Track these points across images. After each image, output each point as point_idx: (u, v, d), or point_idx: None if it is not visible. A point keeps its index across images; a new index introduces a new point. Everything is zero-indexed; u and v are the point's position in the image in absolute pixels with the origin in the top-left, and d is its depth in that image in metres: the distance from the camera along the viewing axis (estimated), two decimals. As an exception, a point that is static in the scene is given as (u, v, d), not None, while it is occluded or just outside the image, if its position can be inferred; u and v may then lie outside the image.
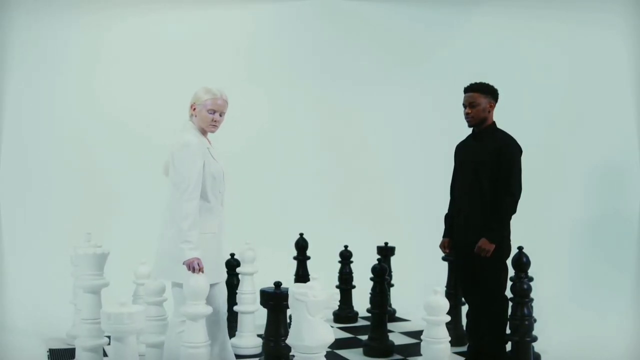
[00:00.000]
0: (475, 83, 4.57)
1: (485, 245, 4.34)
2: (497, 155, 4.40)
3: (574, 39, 6.58)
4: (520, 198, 4.42)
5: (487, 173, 4.41)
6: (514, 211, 4.41)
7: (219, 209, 3.83)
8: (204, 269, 3.58)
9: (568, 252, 6.41)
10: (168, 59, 7.34)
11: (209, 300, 3.68)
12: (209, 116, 3.80)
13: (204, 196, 3.70)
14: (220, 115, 3.84)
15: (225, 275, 4.15)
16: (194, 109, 3.83)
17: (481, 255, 4.35)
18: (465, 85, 4.59)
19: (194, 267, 3.55)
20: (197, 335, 3.58)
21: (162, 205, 3.83)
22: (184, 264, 3.57)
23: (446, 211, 4.85)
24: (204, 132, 3.86)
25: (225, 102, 3.88)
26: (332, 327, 4.36)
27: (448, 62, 7.41)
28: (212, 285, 3.70)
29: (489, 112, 4.52)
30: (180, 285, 3.67)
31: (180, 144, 3.68)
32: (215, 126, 3.84)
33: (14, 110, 6.67)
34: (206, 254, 3.65)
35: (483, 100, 4.49)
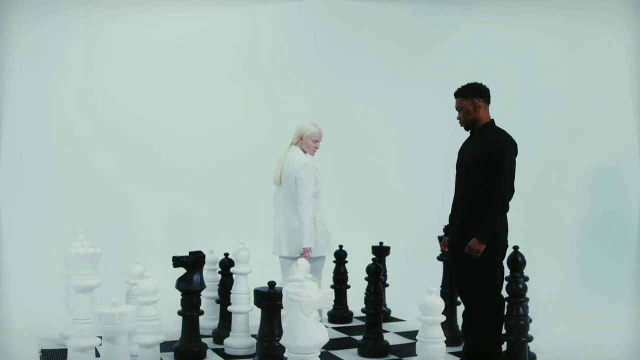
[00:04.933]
0: (458, 88, 4.60)
1: (475, 245, 4.32)
2: (489, 154, 4.38)
3: (574, 38, 6.56)
4: (516, 198, 4.39)
5: (478, 172, 4.39)
6: (505, 210, 4.38)
7: (321, 203, 5.24)
8: (319, 246, 5.09)
9: (567, 252, 6.39)
10: (167, 59, 7.32)
11: (319, 268, 5.17)
12: (313, 144, 5.19)
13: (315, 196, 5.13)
14: (318, 142, 5.22)
15: (332, 249, 5.43)
16: (301, 138, 5.16)
17: (472, 255, 4.33)
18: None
19: (307, 255, 4.93)
20: None
21: (278, 205, 5.24)
22: (303, 248, 4.96)
23: (449, 210, 4.81)
24: (304, 151, 5.21)
25: (322, 133, 5.23)
26: (326, 327, 4.34)
27: (449, 60, 7.39)
28: (322, 257, 5.21)
29: (477, 112, 4.51)
30: (291, 259, 5.03)
31: (300, 165, 5.04)
32: (316, 151, 5.24)
33: (11, 109, 6.63)
34: (319, 235, 5.10)
35: (466, 104, 4.52)
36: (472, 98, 4.51)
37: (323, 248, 5.19)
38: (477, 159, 4.42)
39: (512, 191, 4.38)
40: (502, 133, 4.50)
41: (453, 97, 4.63)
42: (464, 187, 4.51)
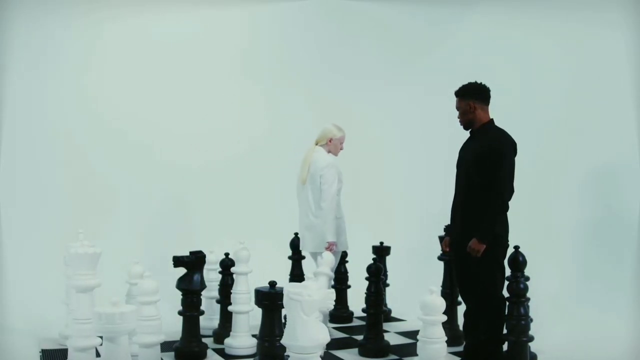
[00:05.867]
0: (458, 88, 4.60)
1: (476, 245, 4.32)
2: (488, 154, 4.37)
3: (574, 38, 6.56)
4: (515, 198, 4.39)
5: (478, 172, 4.39)
6: (504, 210, 4.38)
7: (341, 201, 5.48)
8: (340, 241, 5.35)
9: (567, 252, 6.39)
10: (167, 59, 7.31)
11: (334, 263, 5.29)
12: (340, 146, 5.49)
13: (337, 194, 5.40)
14: (343, 143, 5.53)
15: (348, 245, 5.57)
16: (331, 140, 5.43)
17: (472, 255, 4.33)
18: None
19: (332, 248, 5.18)
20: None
21: (303, 202, 5.43)
22: (327, 242, 5.20)
23: (450, 210, 4.80)
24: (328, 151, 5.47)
25: None
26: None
27: (449, 60, 7.39)
28: (338, 253, 5.44)
29: (473, 112, 4.51)
30: (316, 254, 5.32)
31: (325, 165, 5.29)
32: (340, 151, 5.53)
33: (11, 109, 6.62)
34: (339, 231, 5.35)
35: (462, 104, 4.54)
36: (467, 99, 4.52)
37: (341, 244, 5.42)
38: (477, 159, 4.42)
39: (512, 191, 4.38)
40: (502, 133, 4.49)
41: (453, 96, 4.64)
42: (464, 187, 4.51)
